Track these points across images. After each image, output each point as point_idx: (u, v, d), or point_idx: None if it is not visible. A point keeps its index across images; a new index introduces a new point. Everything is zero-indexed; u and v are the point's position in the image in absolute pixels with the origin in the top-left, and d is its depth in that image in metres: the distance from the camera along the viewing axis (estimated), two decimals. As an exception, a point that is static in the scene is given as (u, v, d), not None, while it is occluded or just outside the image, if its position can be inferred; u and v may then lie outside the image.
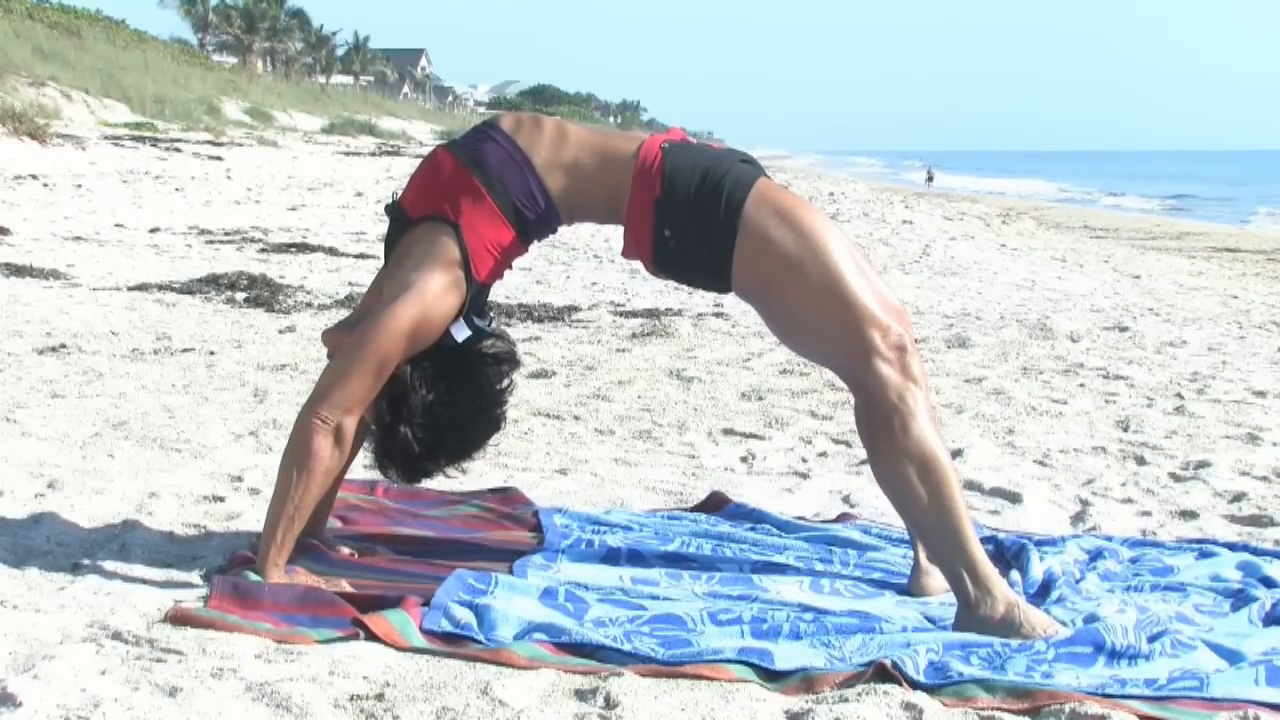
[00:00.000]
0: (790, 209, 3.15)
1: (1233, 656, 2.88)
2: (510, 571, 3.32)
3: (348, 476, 3.65)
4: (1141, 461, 4.99)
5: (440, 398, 3.25)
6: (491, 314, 3.40)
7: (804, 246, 3.11)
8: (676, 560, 3.52)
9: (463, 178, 3.22)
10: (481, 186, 3.20)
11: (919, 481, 3.05)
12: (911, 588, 3.38)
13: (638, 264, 10.47)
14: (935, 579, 3.35)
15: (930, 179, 50.62)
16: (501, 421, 3.39)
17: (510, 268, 3.36)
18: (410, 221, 3.26)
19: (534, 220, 3.24)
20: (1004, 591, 3.05)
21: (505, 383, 3.35)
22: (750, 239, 3.11)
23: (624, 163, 3.20)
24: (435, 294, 3.16)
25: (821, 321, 3.12)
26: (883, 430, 3.07)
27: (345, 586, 3.15)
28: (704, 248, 3.14)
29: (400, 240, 3.27)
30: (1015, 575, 3.45)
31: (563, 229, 3.45)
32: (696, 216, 3.13)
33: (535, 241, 3.34)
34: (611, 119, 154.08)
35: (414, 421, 3.25)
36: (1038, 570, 3.47)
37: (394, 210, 3.32)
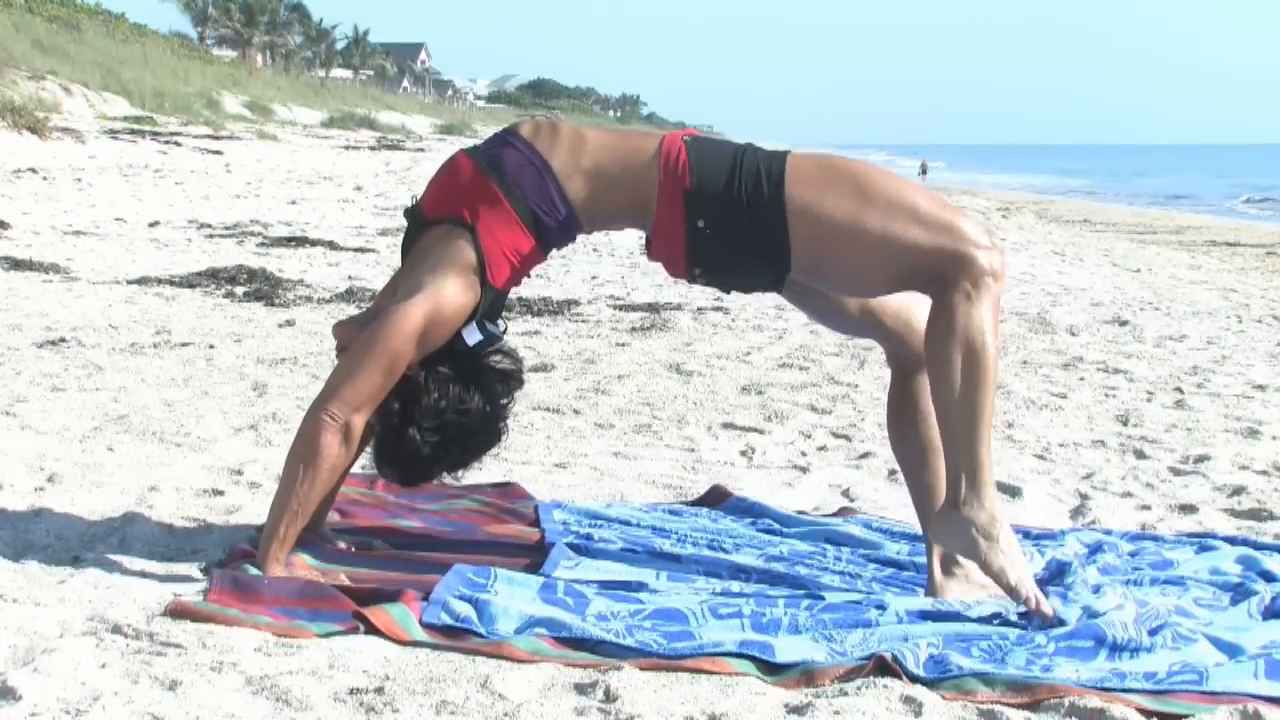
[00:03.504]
0: (828, 160, 3.16)
1: (1232, 650, 2.88)
2: (529, 569, 3.31)
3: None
4: (1141, 455, 4.99)
5: (452, 404, 3.26)
6: (504, 324, 3.39)
7: (861, 181, 3.10)
8: (678, 556, 3.52)
9: (480, 183, 3.21)
10: (499, 192, 3.19)
11: (960, 368, 3.05)
12: (929, 591, 3.34)
13: (638, 258, 10.34)
14: (953, 583, 3.31)
15: (924, 172, 50.39)
16: (504, 434, 3.40)
17: (529, 275, 3.35)
18: (428, 224, 3.26)
19: (553, 227, 3.22)
20: (994, 504, 3.08)
21: (509, 399, 3.37)
22: (804, 201, 3.08)
23: (646, 161, 3.17)
24: (449, 296, 3.16)
25: (906, 234, 3.07)
26: (948, 305, 3.06)
27: (343, 579, 3.16)
28: (749, 233, 3.10)
29: (417, 242, 3.27)
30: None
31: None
32: (734, 203, 3.10)
33: (555, 249, 3.31)
34: (611, 113, 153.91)
35: (423, 425, 3.26)
36: (1037, 564, 3.48)
37: (412, 213, 3.32)
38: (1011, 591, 3.06)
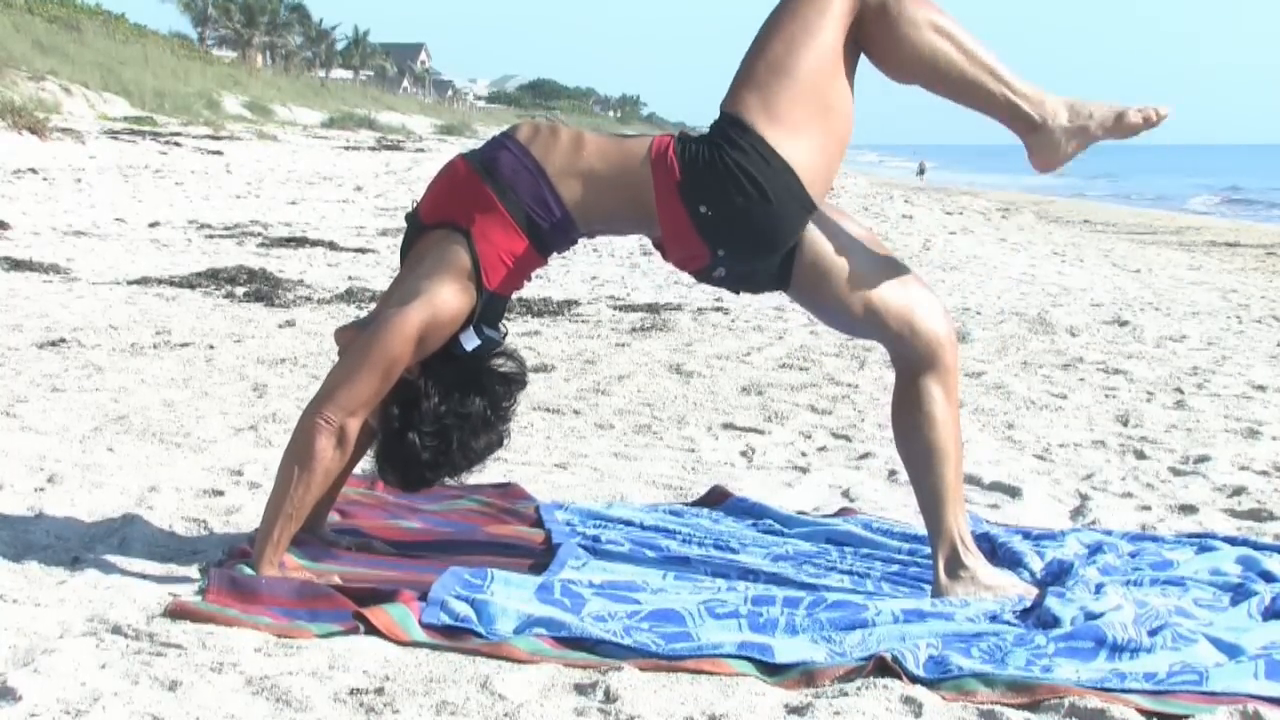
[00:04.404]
0: (746, 76, 3.21)
1: (1232, 650, 2.88)
2: (534, 571, 3.31)
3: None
4: (1141, 456, 4.99)
5: (452, 408, 3.26)
6: (505, 327, 3.38)
7: (777, 55, 3.19)
8: (686, 557, 3.52)
9: (475, 186, 3.21)
10: (493, 194, 3.19)
11: (940, 38, 3.21)
12: (934, 592, 3.33)
13: (638, 259, 10.34)
14: (958, 584, 3.28)
15: (922, 172, 50.17)
16: (506, 438, 3.40)
17: (529, 279, 3.35)
18: (424, 228, 3.26)
19: (548, 229, 3.22)
20: (1053, 99, 3.27)
21: (511, 402, 3.36)
22: (769, 119, 3.15)
23: (639, 163, 3.18)
24: (444, 300, 3.16)
25: (823, 21, 3.20)
26: (900, 8, 3.20)
27: (335, 579, 3.16)
28: (755, 191, 3.12)
29: (414, 246, 3.28)
30: (1029, 560, 3.47)
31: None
32: (727, 174, 3.12)
33: (556, 253, 3.31)
34: (611, 113, 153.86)
35: (423, 429, 3.26)
36: (1037, 564, 3.48)
37: (411, 217, 3.33)
38: (1144, 117, 3.25)
